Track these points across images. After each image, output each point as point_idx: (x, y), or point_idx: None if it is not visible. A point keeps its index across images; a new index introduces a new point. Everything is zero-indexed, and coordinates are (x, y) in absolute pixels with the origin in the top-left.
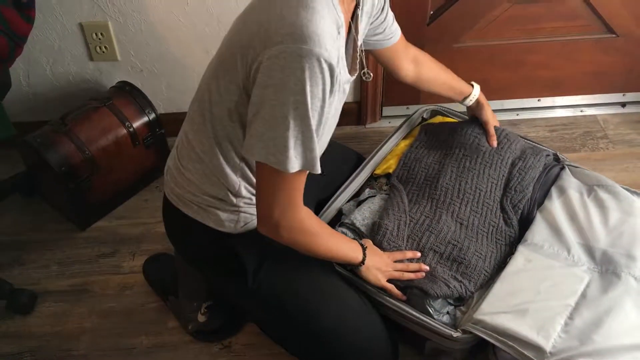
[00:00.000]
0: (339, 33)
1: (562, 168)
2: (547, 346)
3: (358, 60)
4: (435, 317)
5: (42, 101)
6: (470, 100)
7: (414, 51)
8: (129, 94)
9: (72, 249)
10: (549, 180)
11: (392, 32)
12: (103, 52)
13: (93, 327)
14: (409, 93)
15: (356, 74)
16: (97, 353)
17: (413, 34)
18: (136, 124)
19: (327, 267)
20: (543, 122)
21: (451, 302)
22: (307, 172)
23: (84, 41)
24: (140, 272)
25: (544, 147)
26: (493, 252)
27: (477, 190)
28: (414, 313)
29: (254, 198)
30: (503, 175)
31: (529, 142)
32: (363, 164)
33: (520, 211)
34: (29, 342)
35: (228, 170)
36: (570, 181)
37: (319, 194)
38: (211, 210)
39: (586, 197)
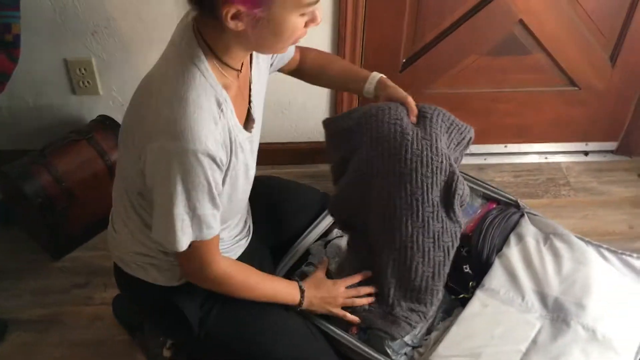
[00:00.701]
0: (221, 110)
1: (522, 215)
2: None
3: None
4: (393, 358)
5: (23, 132)
6: (370, 84)
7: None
8: (109, 128)
9: (45, 278)
10: (509, 227)
11: (290, 53)
12: (86, 86)
13: (62, 357)
14: None
15: (253, 129)
16: None
17: None
18: (114, 158)
19: (278, 306)
20: (509, 167)
21: (409, 343)
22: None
23: (67, 76)
24: (111, 303)
25: (507, 195)
26: (441, 260)
27: (413, 201)
28: (373, 354)
29: None
30: (437, 167)
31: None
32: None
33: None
34: None
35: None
36: (528, 229)
37: (277, 237)
38: (147, 267)
39: (542, 245)
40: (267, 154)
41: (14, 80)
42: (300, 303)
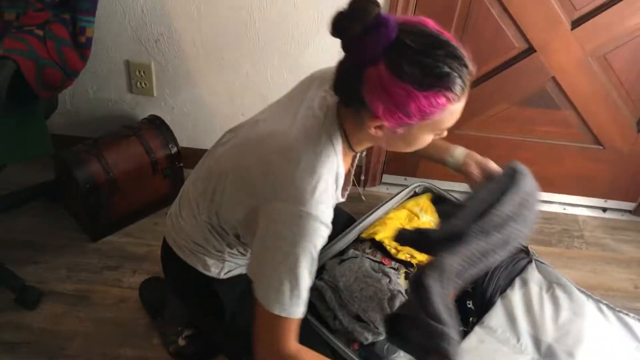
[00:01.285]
0: (336, 186)
1: (530, 261)
2: None
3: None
4: None
5: (80, 120)
6: (458, 158)
7: None
8: (158, 128)
9: (81, 257)
10: (515, 271)
11: None
12: (142, 87)
13: (86, 332)
14: (409, 166)
15: (347, 191)
16: (85, 355)
17: None
18: (159, 155)
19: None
20: None
21: None
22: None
23: (128, 76)
24: (138, 288)
25: None
26: None
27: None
28: None
29: (237, 254)
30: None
31: None
32: (353, 225)
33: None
34: (28, 335)
35: (213, 239)
36: (533, 275)
37: None
38: (200, 256)
39: (544, 292)
40: None
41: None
42: None
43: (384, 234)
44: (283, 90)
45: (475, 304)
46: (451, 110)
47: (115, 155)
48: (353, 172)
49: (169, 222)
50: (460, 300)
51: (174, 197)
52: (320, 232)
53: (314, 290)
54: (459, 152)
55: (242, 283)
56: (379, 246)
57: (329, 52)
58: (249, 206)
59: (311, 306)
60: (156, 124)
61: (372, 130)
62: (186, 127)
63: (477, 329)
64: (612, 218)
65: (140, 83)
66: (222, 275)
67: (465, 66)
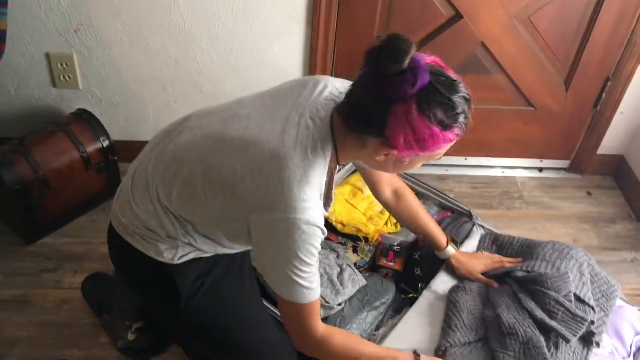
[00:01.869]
0: (320, 193)
1: (473, 225)
2: None
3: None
4: None
5: (3, 119)
6: (445, 255)
7: (397, 183)
8: (86, 121)
9: (17, 261)
10: (460, 235)
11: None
12: (66, 80)
13: (29, 337)
14: None
15: (329, 207)
16: None
17: None
18: (90, 149)
19: (254, 298)
20: (468, 179)
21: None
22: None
23: (49, 69)
24: (80, 288)
25: (461, 205)
26: None
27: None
28: None
29: (191, 241)
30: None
31: (446, 202)
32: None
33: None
34: None
35: (169, 225)
36: (477, 238)
37: None
38: (152, 242)
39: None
40: None
41: None
42: None
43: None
44: (214, 75)
45: (422, 270)
46: (446, 147)
47: (43, 152)
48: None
49: (117, 208)
50: (408, 268)
51: (111, 193)
52: (318, 234)
53: None
54: (446, 254)
55: (197, 267)
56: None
57: (260, 32)
58: (236, 211)
59: (262, 287)
60: (84, 118)
61: (379, 157)
62: (117, 119)
63: (425, 293)
64: (548, 177)
65: (63, 76)
66: (176, 260)
67: (470, 106)
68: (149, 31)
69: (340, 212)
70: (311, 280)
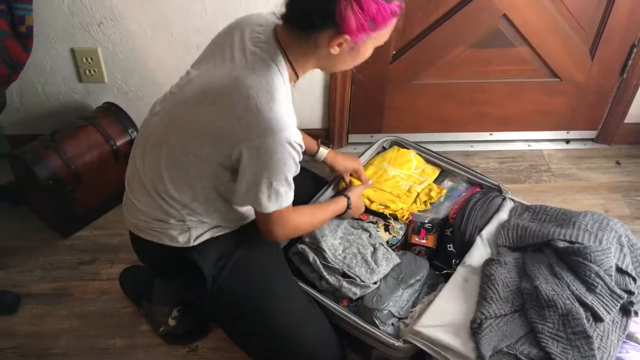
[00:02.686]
0: (291, 109)
1: (504, 199)
2: (472, 354)
3: None
4: (380, 327)
5: (32, 117)
6: (320, 158)
7: None
8: (114, 114)
9: (54, 255)
10: (491, 210)
11: None
12: (92, 74)
13: (71, 328)
14: (373, 122)
15: None
16: (74, 352)
17: (378, 71)
18: (119, 142)
19: (282, 273)
20: (494, 154)
21: (396, 314)
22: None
23: (75, 64)
24: (117, 279)
25: (489, 179)
26: None
27: None
28: (361, 323)
29: (200, 218)
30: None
31: (475, 177)
32: (327, 185)
33: None
34: (13, 340)
35: (172, 209)
36: (507, 211)
37: None
38: (164, 231)
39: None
40: None
41: (24, 69)
42: (348, 206)
43: None
44: None
45: (455, 246)
46: (392, 24)
47: (74, 147)
48: None
49: (126, 213)
50: (441, 245)
51: None
52: (298, 150)
53: (297, 254)
54: (321, 152)
55: (218, 247)
56: None
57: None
58: (222, 156)
59: (296, 270)
60: (112, 111)
61: (333, 49)
62: (143, 110)
63: (459, 269)
64: (576, 148)
65: (89, 70)
66: (192, 242)
67: None
68: (172, 21)
69: (367, 192)
70: (287, 192)
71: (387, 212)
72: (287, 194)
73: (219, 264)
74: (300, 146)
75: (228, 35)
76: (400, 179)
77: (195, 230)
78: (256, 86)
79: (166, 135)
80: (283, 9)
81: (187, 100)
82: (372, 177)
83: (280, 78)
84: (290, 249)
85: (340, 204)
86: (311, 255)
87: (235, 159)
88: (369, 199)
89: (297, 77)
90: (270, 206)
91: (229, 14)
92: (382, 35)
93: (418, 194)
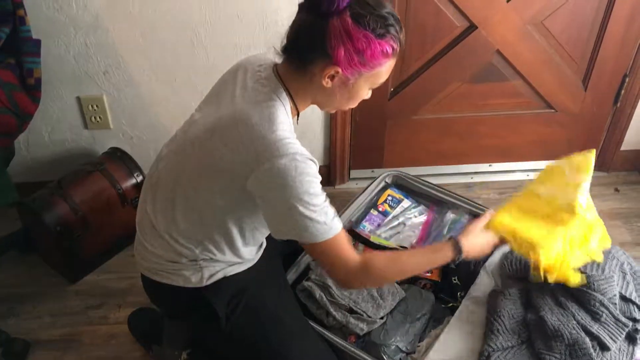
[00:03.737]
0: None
1: None
2: None
3: None
4: None
5: (39, 164)
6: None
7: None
8: (120, 159)
9: (62, 301)
10: None
11: None
12: (97, 121)
13: None
14: (374, 157)
15: None
16: None
17: (377, 107)
18: (125, 186)
19: (295, 312)
20: (494, 185)
21: (403, 349)
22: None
23: (81, 112)
24: (126, 322)
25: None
26: None
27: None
28: (368, 359)
29: (211, 256)
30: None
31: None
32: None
33: None
34: None
35: (184, 249)
36: None
37: (285, 248)
38: (177, 272)
39: None
40: None
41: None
42: (460, 252)
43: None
44: None
45: (460, 278)
46: (389, 65)
47: (81, 193)
48: None
49: (138, 257)
50: (446, 278)
51: None
52: (310, 163)
53: (303, 291)
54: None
55: (231, 286)
56: (356, 236)
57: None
58: (235, 189)
59: (302, 307)
60: (118, 156)
61: (325, 82)
62: (148, 154)
63: (465, 301)
64: None
65: (94, 117)
66: (205, 282)
67: (401, 28)
68: (175, 67)
69: (511, 214)
70: (325, 212)
71: (390, 245)
72: (328, 213)
73: (232, 304)
74: (312, 160)
75: (230, 77)
76: (555, 199)
77: (207, 270)
78: (259, 116)
79: (176, 177)
80: (284, 41)
81: (194, 140)
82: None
83: (283, 109)
84: (297, 286)
85: (444, 254)
86: (317, 292)
87: (253, 192)
88: (509, 229)
89: (298, 111)
90: (314, 230)
91: (230, 57)
92: (376, 75)
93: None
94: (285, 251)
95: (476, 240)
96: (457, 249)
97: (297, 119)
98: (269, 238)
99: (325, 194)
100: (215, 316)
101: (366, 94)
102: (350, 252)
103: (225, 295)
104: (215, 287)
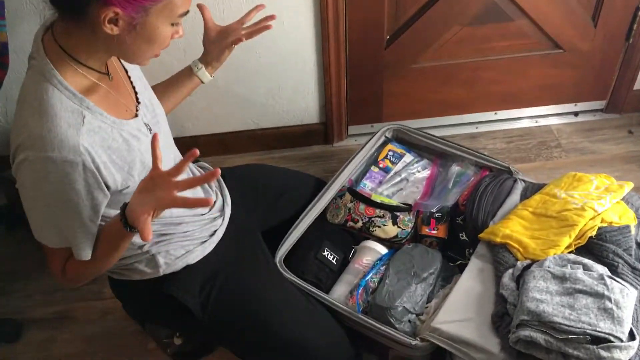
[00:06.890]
0: (84, 117)
1: (515, 181)
2: (496, 349)
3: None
4: (396, 326)
5: None
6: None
7: None
8: None
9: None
10: (503, 193)
11: None
12: None
13: (78, 352)
14: (372, 112)
15: (139, 111)
16: None
17: (372, 58)
18: None
19: (275, 282)
20: (501, 134)
21: (411, 310)
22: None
23: None
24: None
25: (498, 161)
26: None
27: None
28: (374, 323)
29: (161, 238)
30: None
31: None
32: (330, 182)
33: None
34: None
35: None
36: (518, 193)
37: (267, 222)
38: (130, 267)
39: None
40: (261, 139)
41: (7, 87)
42: (126, 224)
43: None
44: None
45: (468, 235)
46: None
47: None
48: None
49: None
50: (453, 234)
51: None
52: (77, 169)
53: (517, 342)
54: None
55: (197, 274)
56: (357, 195)
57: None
58: None
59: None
60: None
61: (107, 28)
62: None
63: (474, 258)
64: (585, 120)
65: None
66: (163, 271)
67: None
68: None
69: (518, 231)
70: (71, 230)
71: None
72: (71, 234)
73: (205, 291)
74: (73, 166)
75: None
76: (573, 198)
77: (161, 257)
78: (23, 106)
79: None
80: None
81: None
82: (536, 206)
83: (50, 87)
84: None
85: (119, 230)
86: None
87: None
88: (520, 244)
89: (94, 68)
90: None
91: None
92: (169, 6)
93: (597, 213)
94: (273, 222)
95: (134, 201)
96: (123, 217)
97: (110, 76)
98: (243, 212)
99: (81, 200)
100: (187, 309)
101: (170, 32)
102: (53, 263)
103: (195, 284)
104: (180, 279)
